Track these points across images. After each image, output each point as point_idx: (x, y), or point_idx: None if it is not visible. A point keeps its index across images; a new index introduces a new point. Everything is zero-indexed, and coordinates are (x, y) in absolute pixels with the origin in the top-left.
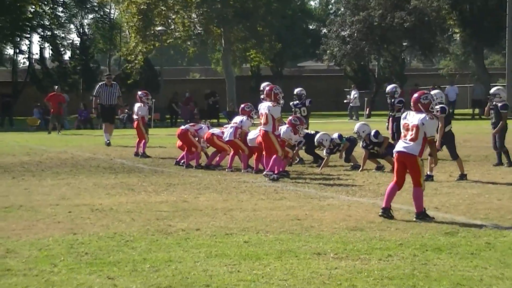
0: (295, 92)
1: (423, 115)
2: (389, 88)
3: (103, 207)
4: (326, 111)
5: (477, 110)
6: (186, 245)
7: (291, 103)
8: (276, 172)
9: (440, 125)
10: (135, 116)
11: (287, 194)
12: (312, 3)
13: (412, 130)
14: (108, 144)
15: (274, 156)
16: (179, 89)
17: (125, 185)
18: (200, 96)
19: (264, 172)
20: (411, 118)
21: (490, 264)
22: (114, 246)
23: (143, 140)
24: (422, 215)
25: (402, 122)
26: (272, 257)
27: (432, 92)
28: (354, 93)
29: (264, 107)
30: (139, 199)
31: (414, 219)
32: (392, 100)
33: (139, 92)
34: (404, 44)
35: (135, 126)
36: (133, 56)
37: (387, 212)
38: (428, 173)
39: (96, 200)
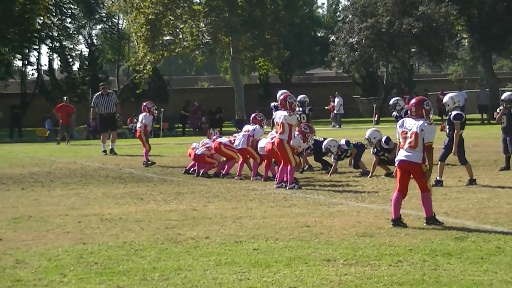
0: (298, 99)
1: (421, 122)
2: (392, 101)
3: (113, 217)
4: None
5: (485, 115)
6: (196, 253)
7: None
8: (290, 182)
9: (456, 131)
10: (138, 125)
11: (296, 201)
12: (320, 10)
13: (411, 137)
14: (105, 153)
15: (289, 167)
16: (188, 98)
17: (134, 195)
18: (209, 104)
19: (287, 187)
20: (409, 125)
21: (500, 268)
22: (123, 255)
23: (145, 149)
24: (432, 220)
25: (399, 130)
26: (281, 264)
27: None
28: (337, 100)
29: (280, 116)
30: (148, 208)
31: (424, 224)
32: (396, 114)
33: (145, 103)
34: (412, 50)
35: (137, 135)
36: (141, 66)
37: (398, 223)
38: (438, 178)
39: (106, 209)
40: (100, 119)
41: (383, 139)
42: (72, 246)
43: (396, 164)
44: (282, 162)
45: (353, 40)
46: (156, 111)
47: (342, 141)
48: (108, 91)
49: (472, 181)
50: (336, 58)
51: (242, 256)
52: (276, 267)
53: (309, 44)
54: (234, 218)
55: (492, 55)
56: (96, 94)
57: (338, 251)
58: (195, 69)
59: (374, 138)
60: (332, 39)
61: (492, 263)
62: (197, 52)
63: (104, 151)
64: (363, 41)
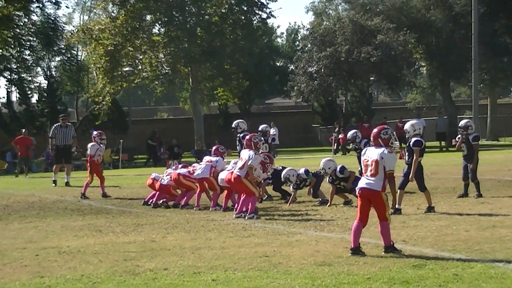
0: (259, 129)
1: (381, 149)
2: (349, 134)
3: (71, 249)
4: (294, 147)
5: (443, 143)
6: (154, 285)
7: None
8: (250, 212)
9: (414, 157)
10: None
11: (255, 231)
12: (279, 40)
13: (371, 165)
14: (55, 184)
15: (252, 198)
16: (147, 129)
17: (92, 227)
18: (169, 135)
19: (246, 217)
20: (370, 153)
21: None
22: None
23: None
24: (390, 249)
25: (362, 158)
26: None
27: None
28: (273, 131)
29: (245, 154)
30: (106, 240)
31: (383, 253)
32: (355, 146)
33: (94, 132)
34: (371, 78)
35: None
36: (100, 98)
37: (357, 251)
38: (397, 206)
39: (64, 242)
40: (56, 150)
41: (338, 168)
42: (30, 279)
43: (357, 192)
44: (243, 195)
45: (312, 69)
46: (104, 140)
47: (301, 170)
48: (67, 123)
49: (430, 209)
50: (296, 87)
51: (201, 287)
52: None
53: (269, 73)
54: (193, 249)
55: (450, 83)
56: (55, 125)
57: (297, 280)
58: (154, 100)
59: (329, 168)
60: (291, 68)
61: None
62: (157, 83)
63: (54, 182)
64: (322, 70)
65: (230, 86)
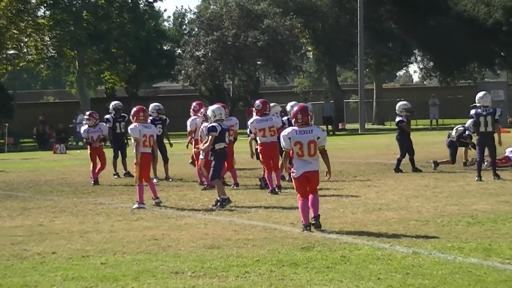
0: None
1: (316, 130)
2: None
3: None
4: (182, 131)
5: (330, 127)
6: (42, 269)
7: None
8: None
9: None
10: None
11: (144, 215)
12: (166, 24)
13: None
14: None
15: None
16: (34, 113)
17: None
18: (55, 119)
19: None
20: (304, 134)
21: (345, 277)
22: None
23: None
24: (316, 219)
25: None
26: (129, 278)
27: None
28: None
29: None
30: None
31: (312, 221)
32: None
33: None
34: (258, 63)
35: None
36: None
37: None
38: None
39: None
40: None
41: None
42: None
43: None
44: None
45: (199, 53)
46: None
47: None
48: None
49: None
50: (183, 71)
51: (89, 270)
52: (124, 281)
53: (156, 57)
54: (81, 232)
55: (336, 67)
56: None
57: (186, 263)
58: (40, 83)
59: None
60: (179, 52)
61: (338, 272)
62: (42, 66)
63: None
64: (209, 54)
65: (117, 69)
